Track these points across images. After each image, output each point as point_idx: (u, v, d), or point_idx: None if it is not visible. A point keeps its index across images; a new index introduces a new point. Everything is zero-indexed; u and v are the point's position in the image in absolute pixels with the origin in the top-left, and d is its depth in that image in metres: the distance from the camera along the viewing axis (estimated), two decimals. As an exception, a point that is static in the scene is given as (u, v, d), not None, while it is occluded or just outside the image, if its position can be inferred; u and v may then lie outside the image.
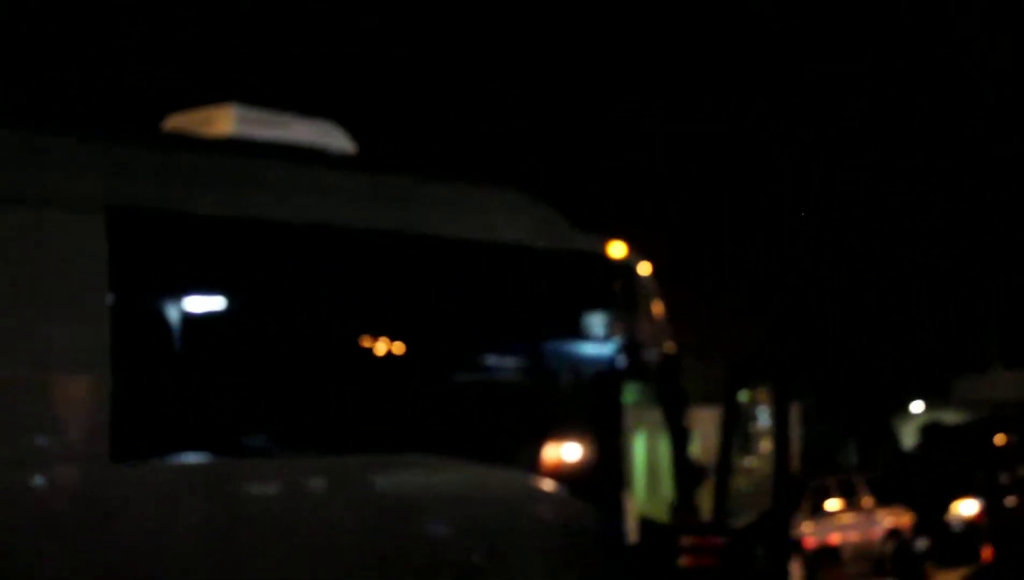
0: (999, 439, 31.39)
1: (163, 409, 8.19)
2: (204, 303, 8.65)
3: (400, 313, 9.38)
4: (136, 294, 8.14)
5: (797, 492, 25.61)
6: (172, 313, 8.39)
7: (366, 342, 9.21)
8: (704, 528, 10.83)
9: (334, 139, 9.67)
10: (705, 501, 11.19)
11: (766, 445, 11.43)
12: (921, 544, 9.86)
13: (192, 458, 8.29)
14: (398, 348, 9.31)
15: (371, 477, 9.07)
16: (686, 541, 10.42)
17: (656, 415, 11.21)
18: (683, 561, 10.36)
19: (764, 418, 11.37)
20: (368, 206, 9.39)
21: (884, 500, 26.55)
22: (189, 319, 8.48)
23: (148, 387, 8.11)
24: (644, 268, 10.86)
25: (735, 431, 10.80)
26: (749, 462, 11.46)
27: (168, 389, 8.23)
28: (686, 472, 10.97)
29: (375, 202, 9.44)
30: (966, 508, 27.29)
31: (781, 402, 10.32)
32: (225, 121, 9.13)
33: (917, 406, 38.36)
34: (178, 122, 9.37)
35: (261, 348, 8.66)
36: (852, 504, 26.08)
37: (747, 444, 11.37)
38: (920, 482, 28.66)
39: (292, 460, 8.73)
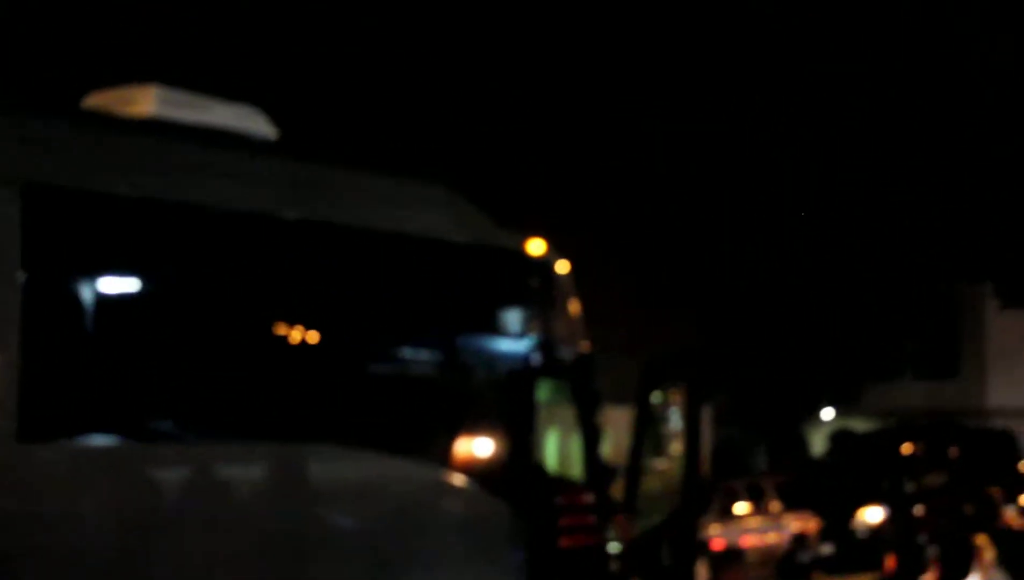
0: (906, 448, 31.74)
1: (72, 390, 8.09)
2: (117, 285, 8.56)
3: (315, 302, 9.33)
4: (48, 273, 8.03)
5: (706, 494, 25.82)
6: (84, 294, 8.29)
7: (279, 330, 9.15)
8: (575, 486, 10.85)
9: (255, 124, 9.60)
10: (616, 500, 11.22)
11: (677, 446, 11.50)
12: (825, 550, 9.95)
13: (101, 440, 8.20)
14: (311, 337, 9.27)
15: (280, 466, 9.01)
16: (560, 500, 10.41)
17: (568, 414, 11.22)
18: (561, 522, 10.33)
19: (676, 419, 11.43)
20: (286, 193, 9.34)
21: (792, 505, 26.82)
22: (101, 300, 8.38)
23: (58, 368, 8.00)
24: (562, 266, 10.87)
25: (646, 432, 10.85)
26: (660, 463, 11.52)
27: (78, 370, 8.13)
28: (597, 471, 10.99)
29: (294, 189, 9.39)
30: (872, 515, 27.61)
31: (693, 403, 10.38)
32: (146, 101, 9.04)
33: (827, 413, 38.76)
34: (98, 100, 9.26)
35: (173, 333, 8.58)
36: (760, 508, 26.33)
37: (659, 445, 11.43)
38: (828, 488, 28.96)
39: (201, 446, 8.66)
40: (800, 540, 26.40)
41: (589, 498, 10.82)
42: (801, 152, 28.00)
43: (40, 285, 7.94)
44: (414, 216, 10.01)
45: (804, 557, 9.68)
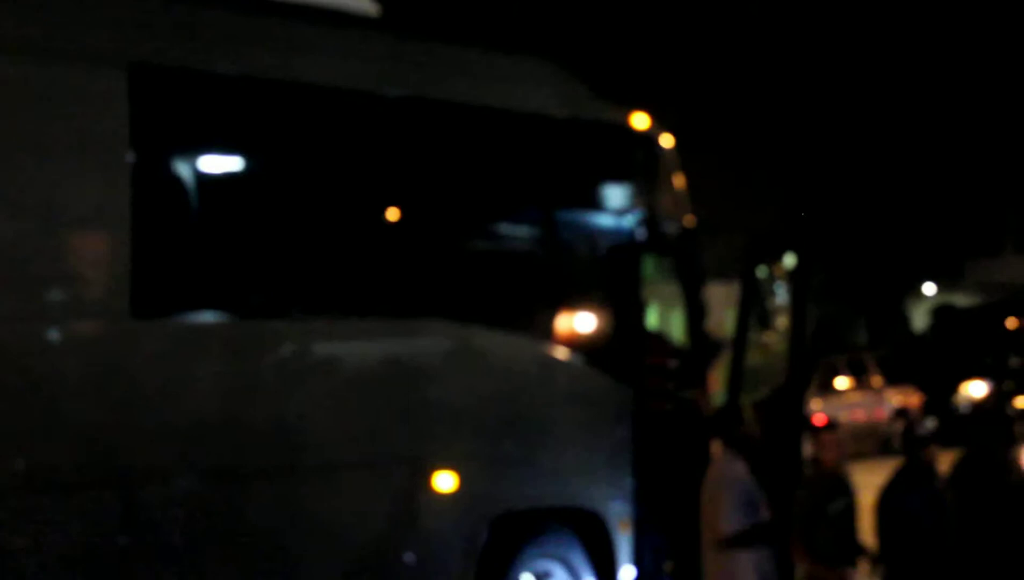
0: (1010, 323, 31.44)
1: (183, 267, 8.19)
2: (224, 163, 8.61)
3: (419, 179, 9.32)
4: (156, 153, 8.09)
5: (808, 369, 25.73)
6: (192, 173, 8.35)
7: (385, 207, 9.16)
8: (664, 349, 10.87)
9: (359, 1, 9.55)
10: (719, 376, 11.21)
11: (782, 321, 11.42)
12: (929, 424, 9.82)
13: (211, 317, 8.30)
14: (417, 214, 9.27)
15: (388, 341, 9.09)
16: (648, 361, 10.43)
17: (672, 289, 11.17)
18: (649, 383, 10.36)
19: (781, 293, 11.34)
20: (389, 70, 9.30)
21: (893, 380, 26.69)
22: (208, 179, 8.45)
23: (168, 246, 8.09)
24: (666, 140, 10.77)
25: (752, 306, 10.76)
26: (765, 337, 11.45)
27: (188, 248, 8.22)
28: (701, 346, 10.97)
29: (396, 66, 9.35)
30: (974, 390, 27.42)
31: (802, 275, 10.28)
32: (248, -21, 9.01)
33: (929, 288, 38.39)
34: (200, -21, 9.24)
35: (281, 210, 8.64)
36: (861, 383, 26.25)
37: (763, 319, 11.34)
38: (930, 363, 28.78)
39: (309, 322, 8.73)
40: (902, 415, 26.32)
41: (674, 362, 10.82)
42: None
43: (148, 165, 8.01)
44: (517, 91, 9.94)
45: (922, 429, 9.59)
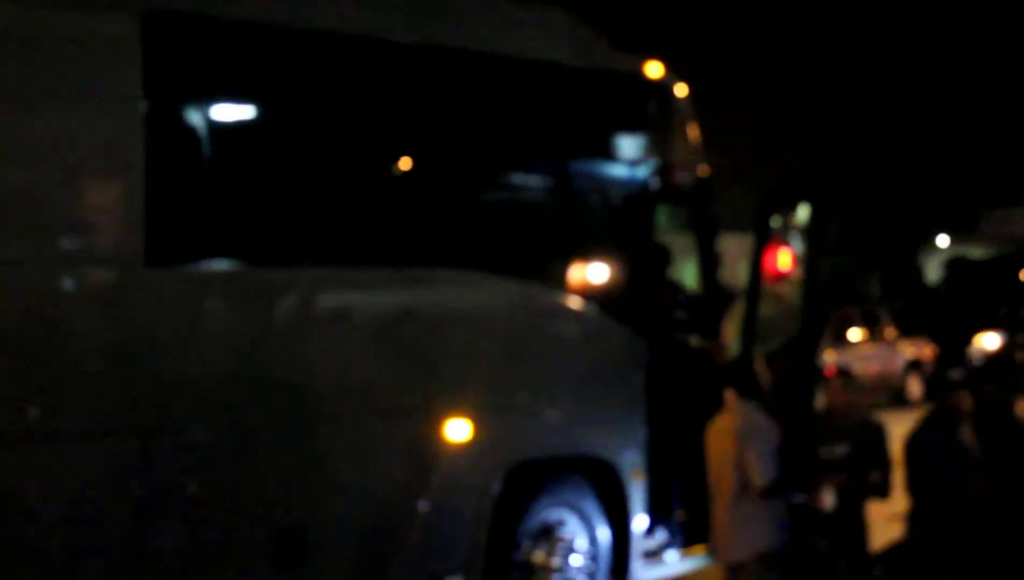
0: (1024, 275, 31.38)
1: (196, 215, 8.20)
2: (237, 111, 8.60)
3: (432, 128, 9.31)
4: (169, 100, 8.08)
5: (821, 320, 25.71)
6: (205, 120, 8.34)
7: (398, 155, 9.15)
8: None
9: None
10: (733, 326, 11.19)
11: (797, 270, 11.37)
12: (956, 374, 9.90)
13: (225, 265, 8.31)
14: (430, 163, 9.26)
15: (401, 291, 9.09)
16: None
17: (686, 239, 11.14)
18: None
19: (796, 244, 11.30)
20: (404, 18, 9.27)
21: (907, 332, 26.69)
22: (222, 127, 8.44)
23: (182, 193, 8.09)
24: (680, 89, 10.72)
25: (764, 257, 10.73)
26: (778, 288, 11.42)
27: (201, 196, 8.23)
28: (715, 297, 10.96)
29: (408, 13, 9.31)
30: (988, 342, 27.40)
31: (817, 227, 10.25)
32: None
33: (943, 240, 38.30)
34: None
35: (293, 159, 8.63)
36: (874, 335, 26.25)
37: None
38: (943, 315, 28.76)
39: (323, 271, 8.74)
40: (915, 366, 26.33)
41: (688, 313, 10.81)
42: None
43: (161, 112, 7.99)
44: (531, 40, 9.90)
45: (955, 374, 9.67)
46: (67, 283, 7.67)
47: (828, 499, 8.73)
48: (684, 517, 10.50)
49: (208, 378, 8.16)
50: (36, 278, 7.56)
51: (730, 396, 9.08)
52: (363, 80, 8.98)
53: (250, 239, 8.48)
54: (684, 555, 10.50)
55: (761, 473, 8.69)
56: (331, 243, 8.82)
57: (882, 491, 8.98)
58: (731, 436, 8.91)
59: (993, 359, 25.76)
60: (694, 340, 10.95)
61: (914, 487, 9.10)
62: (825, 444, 8.92)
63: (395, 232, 9.06)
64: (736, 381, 9.20)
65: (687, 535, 10.50)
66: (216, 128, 8.40)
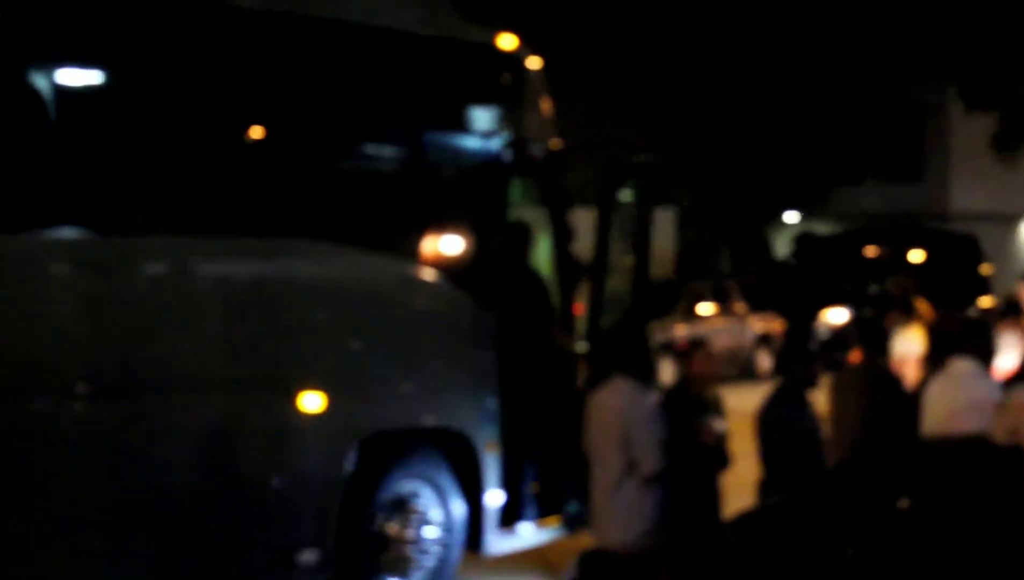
0: (870, 251, 31.96)
1: (38, 182, 8.01)
2: (83, 76, 8.41)
3: (281, 96, 9.20)
4: (12, 63, 7.88)
5: (672, 295, 25.96)
6: (50, 85, 8.15)
7: (245, 123, 9.02)
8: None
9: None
10: (583, 300, 11.21)
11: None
12: (810, 345, 10.15)
13: (71, 233, 8.14)
14: (280, 131, 9.14)
15: (253, 260, 8.98)
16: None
17: (538, 212, 11.13)
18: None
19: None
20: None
21: (756, 306, 27.05)
22: (67, 91, 8.25)
23: (24, 160, 7.89)
24: (534, 62, 10.70)
25: (610, 231, 10.78)
26: (628, 261, 11.46)
27: (44, 162, 8.03)
28: (568, 271, 10.96)
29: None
30: (834, 316, 27.88)
31: (644, 204, 10.40)
32: None
33: (791, 216, 38.89)
34: None
35: (140, 124, 8.47)
36: (725, 309, 26.55)
37: (626, 245, 11.36)
38: (791, 290, 29.20)
39: (172, 240, 8.61)
40: (764, 340, 26.70)
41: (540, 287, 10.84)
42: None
43: (4, 75, 7.79)
44: (379, 7, 9.81)
45: (810, 345, 9.91)
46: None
47: (716, 427, 8.88)
48: (538, 489, 10.51)
49: (52, 348, 7.97)
50: None
51: (618, 378, 9.05)
52: (208, 46, 8.83)
53: (98, 207, 8.30)
54: (539, 527, 10.51)
55: (649, 458, 8.70)
56: (180, 212, 8.68)
57: (721, 460, 9.09)
58: (614, 415, 8.88)
59: (840, 332, 26.27)
60: (546, 315, 10.94)
61: (766, 457, 9.23)
62: (697, 418, 8.99)
63: (243, 201, 8.95)
64: (616, 357, 9.19)
65: (542, 507, 10.52)
66: (62, 93, 8.21)
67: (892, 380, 10.17)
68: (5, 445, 7.82)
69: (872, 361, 10.22)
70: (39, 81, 8.13)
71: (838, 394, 10.29)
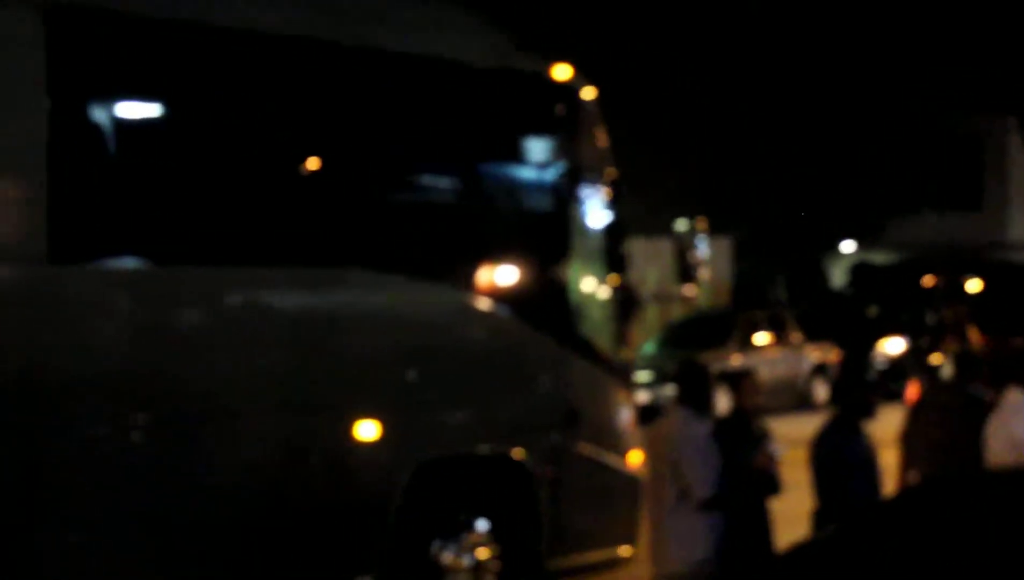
0: (927, 280, 31.79)
1: (101, 213, 8.11)
2: (142, 109, 8.52)
3: (337, 126, 9.27)
4: (73, 97, 7.99)
5: (727, 325, 25.91)
6: (110, 118, 8.26)
7: (302, 154, 9.11)
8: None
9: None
10: (640, 330, 11.23)
11: (705, 274, 11.45)
12: (871, 375, 10.15)
13: (128, 263, 8.23)
14: (339, 162, 9.22)
15: (306, 288, 9.05)
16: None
17: (593, 241, 11.14)
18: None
19: (703, 247, 11.37)
20: (307, 16, 9.22)
21: (812, 336, 26.94)
22: (127, 124, 8.37)
23: (86, 191, 8.00)
24: (588, 92, 10.73)
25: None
26: (687, 291, 11.47)
27: (105, 193, 8.14)
28: (623, 300, 10.98)
29: (314, 12, 9.27)
30: (892, 346, 27.73)
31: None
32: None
33: (848, 245, 38.72)
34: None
35: (198, 157, 8.56)
36: (781, 338, 26.46)
37: (685, 273, 11.37)
38: (848, 319, 29.07)
39: (229, 270, 8.69)
40: (820, 369, 26.57)
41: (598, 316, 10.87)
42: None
43: (66, 109, 7.90)
44: (437, 41, 9.87)
45: (868, 376, 9.91)
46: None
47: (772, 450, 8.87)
48: (594, 518, 10.51)
49: (113, 376, 8.07)
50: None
51: (676, 406, 9.13)
52: (269, 78, 8.92)
53: (156, 237, 8.40)
54: (593, 556, 10.51)
55: (700, 484, 8.70)
56: (239, 242, 8.76)
57: (773, 487, 9.07)
58: (667, 443, 8.92)
59: (896, 362, 26.16)
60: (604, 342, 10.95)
61: (821, 487, 9.18)
62: (753, 447, 8.98)
63: (304, 231, 9.01)
64: (680, 386, 9.23)
65: (597, 536, 10.51)
66: (121, 125, 8.32)
67: (984, 407, 10.02)
68: (64, 473, 7.90)
69: (964, 387, 10.14)
70: (97, 113, 8.24)
71: (921, 417, 10.22)
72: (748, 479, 8.91)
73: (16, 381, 7.69)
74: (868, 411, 9.31)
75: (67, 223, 7.83)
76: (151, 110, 8.61)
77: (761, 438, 9.11)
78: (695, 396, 9.12)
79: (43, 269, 7.79)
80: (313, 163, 9.17)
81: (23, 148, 7.72)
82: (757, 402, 9.45)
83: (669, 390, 23.25)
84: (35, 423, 7.78)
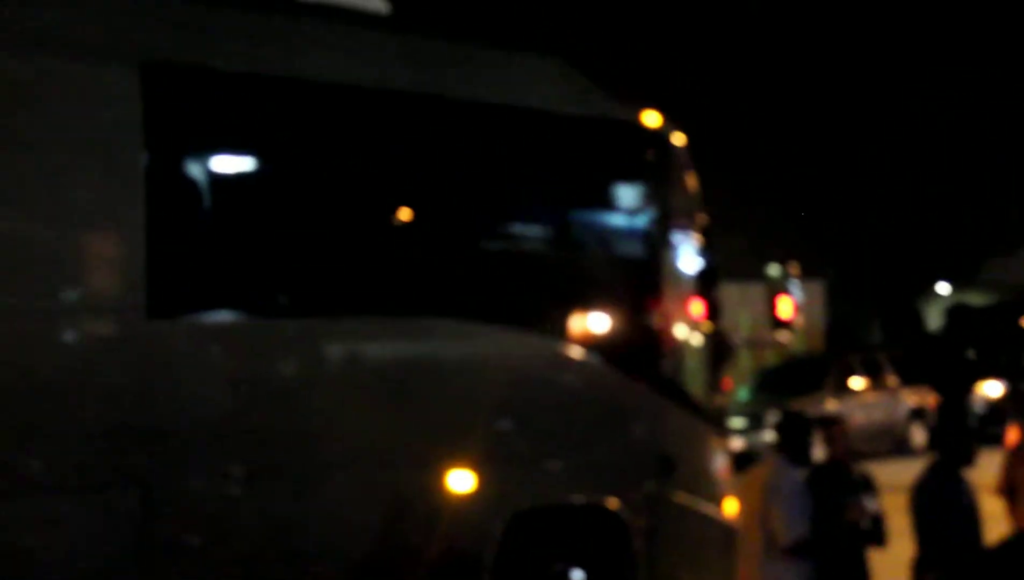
0: (1025, 322, 31.37)
1: (196, 266, 8.20)
2: (237, 162, 8.61)
3: (431, 177, 9.31)
4: (169, 152, 8.10)
5: (821, 370, 25.68)
6: (205, 172, 8.36)
7: (399, 206, 9.16)
8: None
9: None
10: (732, 376, 11.17)
11: (798, 319, 11.38)
12: (972, 422, 10.03)
13: (226, 316, 8.32)
14: (427, 212, 9.26)
15: (399, 339, 9.08)
16: None
17: (685, 287, 11.10)
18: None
19: (796, 292, 11.30)
20: (400, 67, 9.30)
21: (908, 380, 26.63)
22: (222, 178, 8.47)
23: (183, 245, 8.10)
24: (678, 138, 10.73)
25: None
26: (780, 337, 11.41)
27: (202, 247, 8.24)
28: (716, 347, 10.93)
29: (406, 64, 9.34)
30: (990, 390, 27.35)
31: None
32: (260, -22, 9.04)
33: (944, 287, 38.31)
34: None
35: (293, 209, 8.63)
36: (877, 383, 26.17)
37: (778, 318, 11.31)
38: (945, 363, 28.71)
39: (323, 321, 8.74)
40: (918, 414, 26.25)
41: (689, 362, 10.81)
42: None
43: (162, 164, 8.01)
44: (528, 89, 9.91)
45: (972, 422, 9.82)
46: (70, 333, 7.67)
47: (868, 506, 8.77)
48: (689, 566, 10.43)
49: (209, 429, 8.13)
50: (38, 327, 7.55)
51: (771, 454, 9.11)
52: (360, 130, 8.99)
53: (252, 290, 8.47)
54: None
55: (787, 531, 8.63)
56: (332, 293, 8.81)
57: (878, 538, 8.97)
58: (759, 489, 8.88)
59: (996, 406, 25.77)
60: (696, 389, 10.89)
61: (922, 534, 9.07)
62: (849, 496, 8.90)
63: (400, 282, 9.06)
64: (779, 434, 9.20)
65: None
66: (217, 179, 8.42)
67: None
68: (161, 525, 7.95)
69: None
70: (194, 168, 8.34)
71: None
72: (840, 528, 8.82)
73: (116, 434, 7.75)
74: (968, 458, 9.18)
75: (165, 277, 7.91)
76: (247, 164, 8.71)
77: (859, 486, 9.00)
78: (792, 445, 9.06)
79: (142, 323, 7.86)
80: (409, 214, 9.21)
81: (121, 203, 7.82)
82: (845, 449, 9.35)
83: (767, 436, 23.18)
84: (135, 476, 7.84)
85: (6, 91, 7.50)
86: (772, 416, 24.32)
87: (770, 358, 26.71)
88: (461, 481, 9.11)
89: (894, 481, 10.84)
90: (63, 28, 7.74)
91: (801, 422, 9.38)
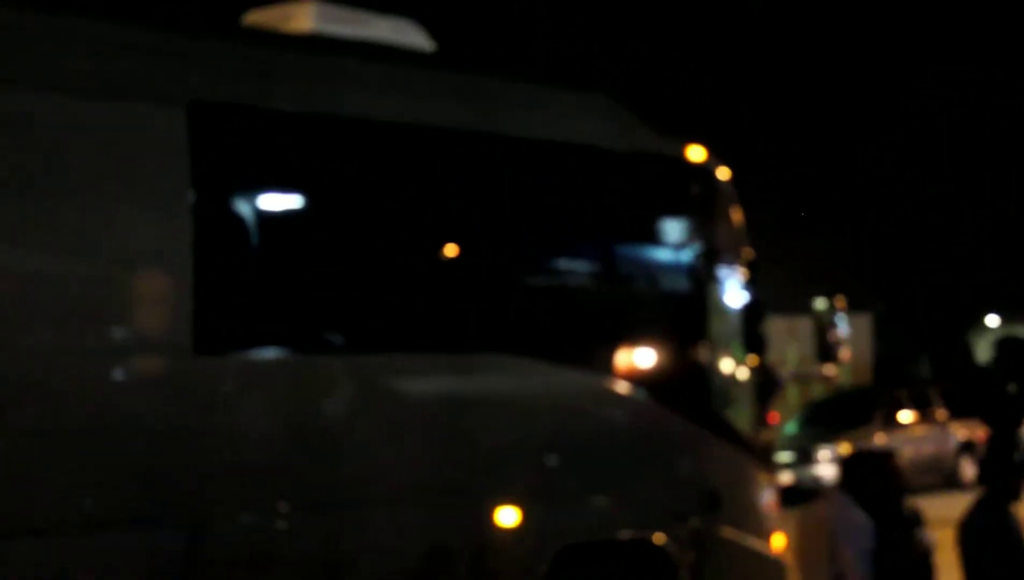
0: (1076, 354, 31.09)
1: (244, 304, 8.26)
2: (283, 200, 8.68)
3: (476, 213, 9.35)
4: (216, 191, 8.17)
5: (869, 404, 25.53)
6: (251, 210, 8.42)
7: (443, 242, 9.19)
8: None
9: (413, 37, 9.62)
10: (779, 410, 11.14)
11: (845, 353, 11.34)
12: (1017, 456, 9.96)
13: (273, 353, 8.36)
14: (476, 248, 9.29)
15: (444, 375, 9.11)
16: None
17: (731, 322, 11.09)
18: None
19: (843, 326, 11.27)
20: (445, 105, 9.35)
21: (958, 413, 26.44)
22: (268, 216, 8.52)
23: (229, 283, 8.16)
24: (723, 173, 10.74)
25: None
26: (827, 370, 11.37)
27: (249, 285, 8.30)
28: (763, 381, 10.90)
29: (452, 101, 9.39)
30: (1041, 423, 27.07)
31: None
32: (304, 17, 9.12)
33: (993, 319, 38.04)
34: (257, 18, 9.36)
35: (340, 245, 8.68)
36: (925, 416, 26.00)
37: (825, 352, 11.27)
38: (995, 396, 28.47)
39: (370, 357, 8.78)
40: (967, 447, 26.05)
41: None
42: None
43: (209, 203, 8.07)
44: (573, 125, 9.95)
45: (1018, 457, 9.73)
46: (118, 371, 7.74)
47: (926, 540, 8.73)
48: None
49: (255, 466, 8.17)
50: (87, 366, 7.62)
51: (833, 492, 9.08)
52: (409, 167, 9.04)
53: (300, 327, 8.52)
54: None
55: (858, 572, 8.61)
56: (382, 330, 8.85)
57: (927, 574, 8.91)
58: (821, 526, 8.84)
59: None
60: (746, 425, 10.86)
61: (969, 569, 9.02)
62: (906, 532, 8.86)
63: (447, 318, 9.09)
64: (845, 473, 9.16)
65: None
66: (264, 217, 8.47)
67: None
68: (210, 564, 7.99)
69: None
70: (240, 206, 8.40)
71: None
72: (903, 565, 8.77)
73: (162, 470, 7.80)
74: (1016, 494, 9.14)
75: (212, 315, 7.97)
76: (293, 202, 8.76)
77: (913, 521, 8.95)
78: (857, 486, 9.00)
79: (189, 361, 7.91)
80: (456, 250, 9.25)
81: (168, 242, 7.89)
82: (902, 483, 9.30)
83: (822, 471, 23.08)
84: (183, 513, 7.89)
85: (56, 132, 7.59)
86: (821, 450, 24.25)
87: (817, 392, 26.60)
88: (509, 516, 9.12)
89: (943, 515, 10.76)
90: (111, 70, 7.83)
91: (868, 461, 9.35)
